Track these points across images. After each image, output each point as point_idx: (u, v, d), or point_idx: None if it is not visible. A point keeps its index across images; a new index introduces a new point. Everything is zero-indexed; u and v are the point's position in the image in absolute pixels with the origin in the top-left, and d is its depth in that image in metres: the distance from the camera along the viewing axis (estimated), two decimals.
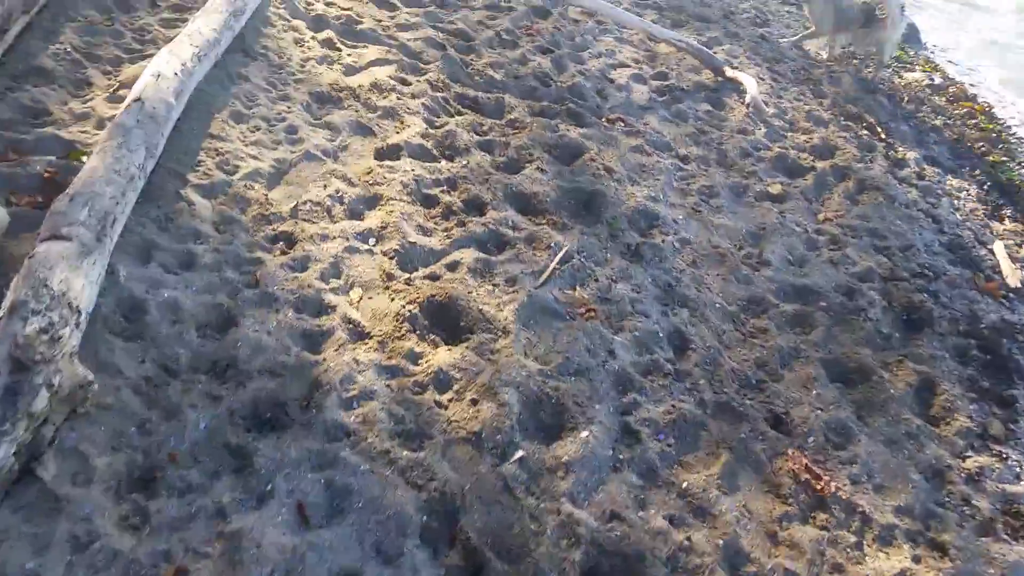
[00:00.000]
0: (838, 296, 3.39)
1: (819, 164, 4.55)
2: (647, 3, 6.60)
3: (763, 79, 5.65)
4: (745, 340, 3.05)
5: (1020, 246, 4.38)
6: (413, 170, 3.40)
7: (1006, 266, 4.00)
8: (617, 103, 4.72)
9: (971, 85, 7.09)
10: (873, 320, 3.24)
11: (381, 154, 3.50)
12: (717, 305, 3.18)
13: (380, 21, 4.70)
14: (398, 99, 3.91)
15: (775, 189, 4.21)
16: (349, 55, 4.21)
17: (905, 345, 3.20)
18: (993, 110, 6.53)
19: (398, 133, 3.67)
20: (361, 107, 3.77)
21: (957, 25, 9.31)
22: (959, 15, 9.77)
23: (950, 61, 7.70)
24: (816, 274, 3.52)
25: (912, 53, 7.52)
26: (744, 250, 3.64)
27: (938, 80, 6.79)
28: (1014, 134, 6.22)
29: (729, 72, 5.32)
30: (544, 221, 3.37)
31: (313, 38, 4.24)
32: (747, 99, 4.98)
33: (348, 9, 4.70)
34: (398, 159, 3.48)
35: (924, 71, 6.94)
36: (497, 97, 4.29)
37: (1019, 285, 3.87)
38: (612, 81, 5.02)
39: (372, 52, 4.29)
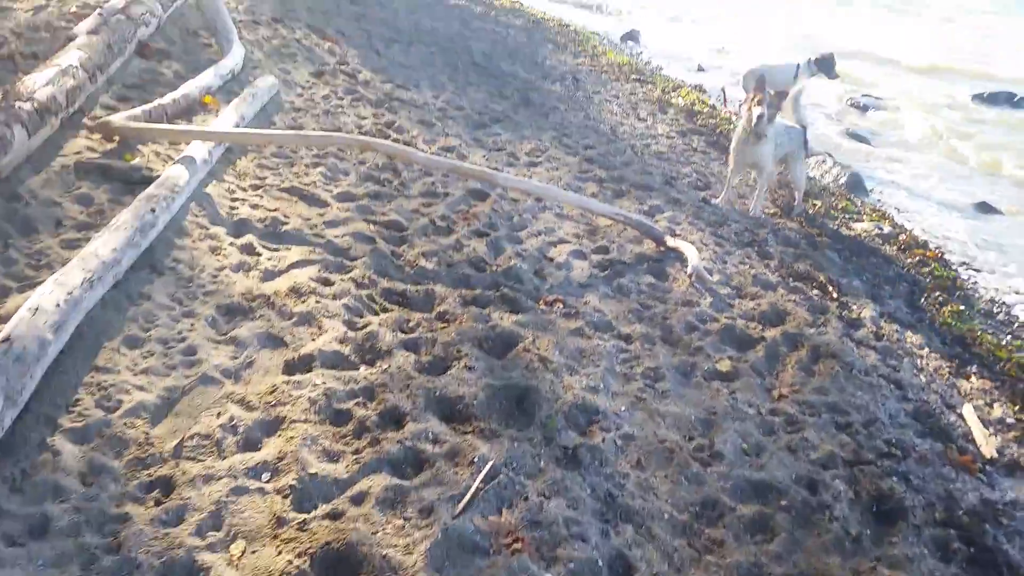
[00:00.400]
0: (800, 491, 3.06)
1: (769, 333, 4.35)
2: (587, 176, 6.66)
3: (706, 244, 5.57)
4: (700, 558, 2.68)
5: (991, 406, 4.13)
6: (325, 383, 3.13)
7: (979, 433, 3.72)
8: (556, 283, 4.57)
9: (922, 231, 7.12)
10: (839, 519, 2.90)
11: (291, 367, 3.24)
12: (666, 515, 2.84)
13: (308, 220, 4.60)
14: (317, 302, 3.70)
15: (724, 366, 3.97)
16: (269, 259, 4.05)
17: (878, 545, 2.84)
18: (945, 255, 6.50)
19: (313, 341, 3.43)
20: (274, 316, 3.55)
21: (894, 169, 9.55)
22: (895, 159, 10.06)
23: (896, 208, 7.79)
24: (774, 465, 3.21)
25: (859, 202, 7.60)
26: (694, 441, 3.33)
27: (887, 229, 6.80)
28: (969, 279, 6.14)
29: (670, 241, 5.24)
30: (470, 429, 3.07)
31: (232, 244, 4.09)
32: (689, 269, 4.85)
33: (275, 210, 4.61)
34: (309, 371, 3.22)
35: (872, 220, 6.97)
36: (427, 289, 4.12)
37: (995, 455, 3.58)
38: (551, 259, 4.89)
39: (295, 253, 4.15)
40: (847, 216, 6.98)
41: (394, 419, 3.05)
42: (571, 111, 8.87)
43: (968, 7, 26.99)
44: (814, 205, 6.97)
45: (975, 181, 9.68)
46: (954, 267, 6.30)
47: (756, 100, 5.86)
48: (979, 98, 14.07)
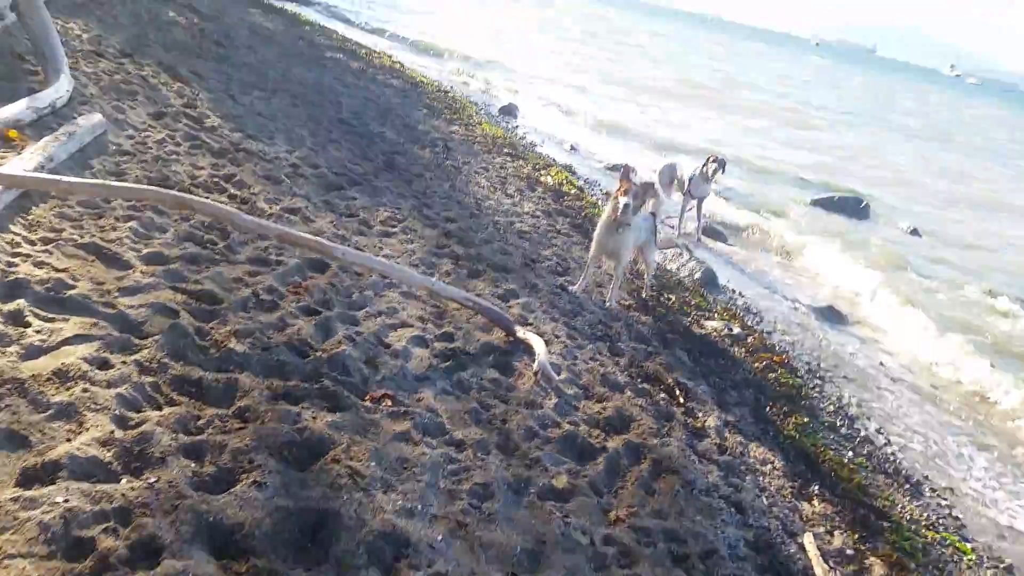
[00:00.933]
0: None
1: (612, 442, 4.06)
2: (444, 252, 6.31)
3: (558, 336, 5.30)
4: None
5: (831, 533, 3.97)
6: (67, 501, 2.50)
7: (819, 569, 3.52)
8: (390, 374, 4.11)
9: (769, 334, 7.17)
10: None
11: (29, 477, 2.60)
12: None
13: (102, 284, 3.94)
14: (84, 391, 3.06)
15: (560, 482, 3.61)
16: (38, 332, 3.37)
17: None
18: (792, 361, 6.53)
19: (68, 441, 2.80)
20: (24, 406, 2.89)
21: (748, 268, 9.80)
22: (749, 257, 10.35)
23: (746, 308, 7.87)
24: None
25: (711, 300, 7.63)
26: None
27: (737, 329, 6.80)
28: (814, 387, 6.16)
29: (520, 332, 4.92)
30: (244, 569, 2.53)
31: (1, 308, 3.40)
32: (535, 365, 4.53)
33: (63, 270, 3.92)
34: (52, 483, 2.59)
35: (723, 319, 6.97)
36: (230, 378, 3.55)
37: None
38: (388, 346, 4.44)
39: (72, 326, 3.48)
40: (699, 313, 6.96)
41: (149, 552, 2.46)
42: (437, 180, 8.57)
43: (830, 119, 29.32)
44: (668, 300, 6.90)
45: (823, 285, 10.08)
46: (800, 374, 6.33)
47: (623, 190, 5.77)
48: (829, 203, 14.97)
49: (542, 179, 10.41)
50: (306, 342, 4.11)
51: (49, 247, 4.10)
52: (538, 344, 4.75)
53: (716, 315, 7.06)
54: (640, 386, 4.91)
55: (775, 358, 6.29)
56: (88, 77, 7.26)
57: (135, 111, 6.93)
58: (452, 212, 7.48)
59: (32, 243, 4.09)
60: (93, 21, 9.95)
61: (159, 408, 3.20)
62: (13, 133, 5.00)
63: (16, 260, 3.86)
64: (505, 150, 11.61)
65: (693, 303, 7.11)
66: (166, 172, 5.76)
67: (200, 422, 3.19)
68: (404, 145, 9.64)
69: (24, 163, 4.48)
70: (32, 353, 3.23)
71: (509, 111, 16.40)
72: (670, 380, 5.11)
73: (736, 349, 6.28)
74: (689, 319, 6.70)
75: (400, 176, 8.19)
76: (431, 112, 12.70)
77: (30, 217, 4.30)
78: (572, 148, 14.56)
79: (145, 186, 4.58)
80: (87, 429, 2.89)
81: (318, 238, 4.57)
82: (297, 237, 4.46)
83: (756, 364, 6.08)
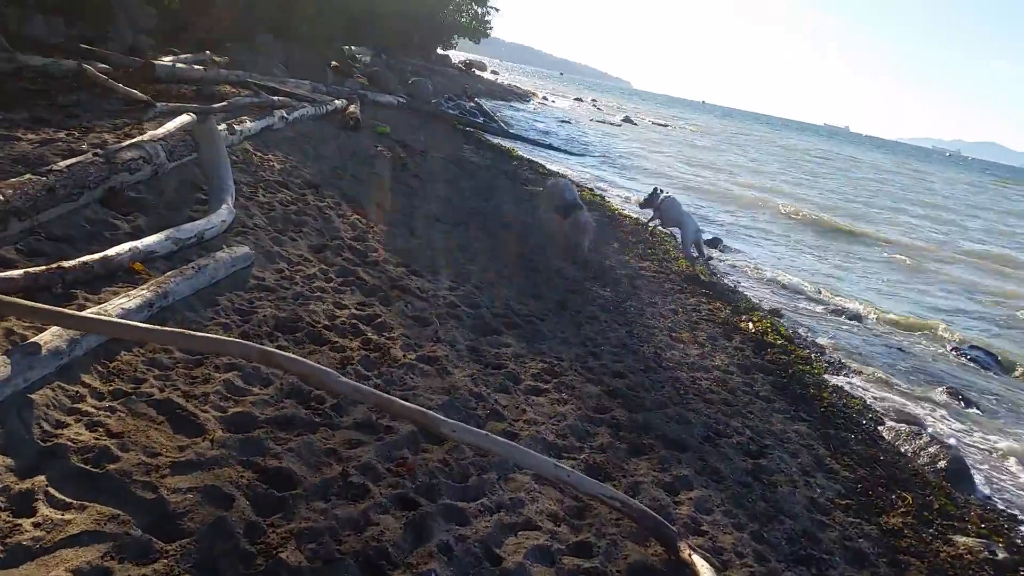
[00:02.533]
0: None
1: None
2: (602, 418, 5.18)
3: (742, 555, 3.92)
4: None
5: None
6: None
7: None
8: None
9: None
10: None
11: None
12: None
13: (154, 456, 3.24)
14: None
15: None
16: (40, 525, 2.66)
17: None
18: None
19: None
20: None
21: (1003, 465, 7.59)
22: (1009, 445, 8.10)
23: (1015, 518, 5.84)
24: None
25: (961, 501, 5.73)
26: None
27: (1002, 553, 4.90)
28: None
29: (684, 551, 3.62)
30: None
31: (5, 490, 2.76)
32: None
33: (118, 435, 3.28)
34: None
35: (979, 534, 5.09)
36: None
37: None
38: (497, 562, 3.33)
39: (87, 518, 2.76)
40: (945, 522, 5.14)
41: None
42: (612, 324, 7.52)
43: None
44: (904, 499, 5.19)
45: None
46: None
47: None
48: None
49: (742, 325, 9.01)
50: (385, 552, 3.12)
51: (117, 403, 3.52)
52: (707, 574, 3.42)
53: (970, 526, 5.20)
54: None
55: None
56: (260, 207, 7.17)
57: (295, 244, 6.65)
58: (622, 365, 6.35)
59: (101, 397, 3.54)
60: (296, 154, 10.27)
61: None
62: (139, 266, 4.69)
63: (69, 420, 3.29)
64: (702, 290, 10.37)
65: (936, 507, 5.31)
66: (301, 312, 5.24)
67: None
68: (583, 282, 8.76)
69: (129, 302, 4.05)
70: (14, 558, 2.51)
71: (714, 244, 15.17)
72: None
73: None
74: (932, 530, 4.95)
75: (569, 319, 7.24)
76: (623, 245, 11.85)
77: (112, 364, 3.80)
78: (783, 286, 12.98)
79: (227, 338, 3.95)
80: None
81: (424, 409, 3.64)
82: (399, 407, 3.58)
83: None
